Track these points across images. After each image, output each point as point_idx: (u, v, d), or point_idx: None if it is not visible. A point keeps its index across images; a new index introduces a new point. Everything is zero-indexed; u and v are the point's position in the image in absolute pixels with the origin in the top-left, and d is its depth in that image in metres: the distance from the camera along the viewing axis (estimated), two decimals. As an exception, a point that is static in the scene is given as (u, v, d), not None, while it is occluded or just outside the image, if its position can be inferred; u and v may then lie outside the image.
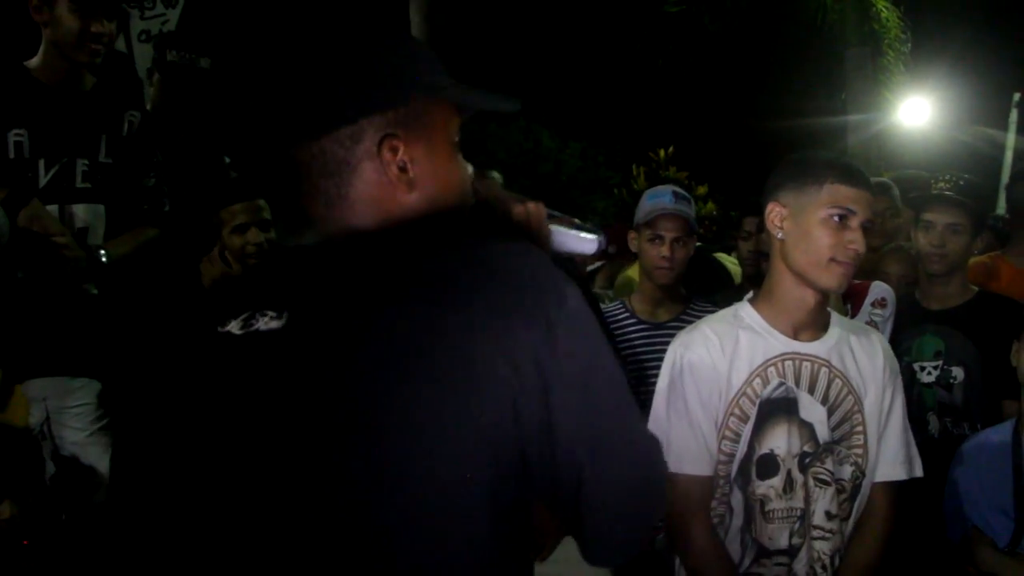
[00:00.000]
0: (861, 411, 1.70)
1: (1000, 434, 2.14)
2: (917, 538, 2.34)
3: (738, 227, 3.05)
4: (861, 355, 1.73)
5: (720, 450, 1.68)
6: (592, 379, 0.84)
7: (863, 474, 1.71)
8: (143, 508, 0.86)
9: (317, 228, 0.92)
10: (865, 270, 2.97)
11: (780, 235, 1.67)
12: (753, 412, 1.67)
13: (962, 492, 2.15)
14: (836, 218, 1.61)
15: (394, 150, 0.90)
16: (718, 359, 1.68)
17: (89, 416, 2.33)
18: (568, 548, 2.18)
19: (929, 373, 2.47)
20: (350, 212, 0.90)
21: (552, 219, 1.11)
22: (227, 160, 2.97)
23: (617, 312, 2.56)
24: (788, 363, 1.68)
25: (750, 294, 1.80)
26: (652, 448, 0.92)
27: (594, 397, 0.84)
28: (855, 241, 1.61)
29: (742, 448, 1.67)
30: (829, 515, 1.67)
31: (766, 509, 1.66)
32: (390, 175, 0.90)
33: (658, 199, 2.55)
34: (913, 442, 1.78)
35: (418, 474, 0.77)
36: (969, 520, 2.12)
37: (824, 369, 1.69)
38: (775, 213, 1.68)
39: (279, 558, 0.78)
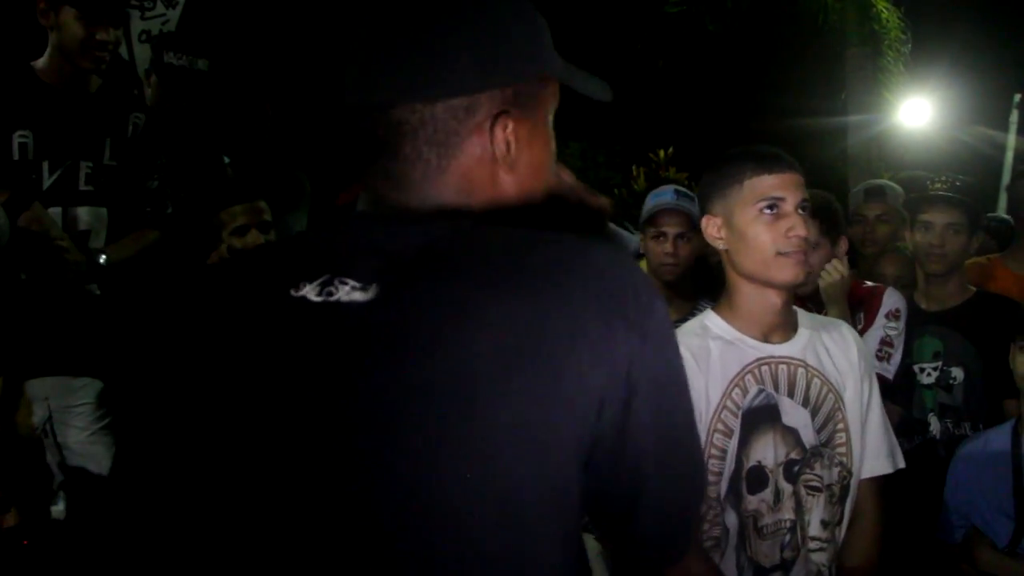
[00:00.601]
0: (842, 408, 1.65)
1: (1000, 434, 2.15)
2: (917, 538, 2.34)
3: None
4: (835, 350, 1.67)
5: (708, 470, 1.58)
6: (668, 392, 0.84)
7: (850, 473, 1.64)
8: (177, 493, 0.78)
9: (404, 197, 0.86)
10: (862, 272, 2.98)
11: (722, 246, 1.62)
12: (737, 425, 1.59)
13: (962, 492, 2.15)
14: (766, 211, 1.56)
15: (505, 127, 0.86)
16: (694, 376, 1.58)
17: (91, 415, 2.34)
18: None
19: (929, 374, 2.47)
20: (445, 186, 0.85)
21: None
22: (226, 161, 2.98)
23: None
24: (765, 368, 1.61)
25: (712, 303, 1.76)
26: (702, 458, 0.95)
27: (669, 408, 0.84)
28: (794, 227, 1.54)
29: (729, 464, 1.58)
30: (824, 524, 1.60)
31: (759, 525, 1.58)
32: (498, 153, 0.86)
33: (660, 197, 2.56)
34: (891, 431, 1.73)
35: (515, 477, 0.74)
36: (969, 520, 2.12)
37: (801, 370, 1.62)
38: (710, 226, 1.63)
39: (334, 562, 0.73)
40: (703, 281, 2.72)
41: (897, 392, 2.42)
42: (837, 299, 2.27)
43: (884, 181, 3.21)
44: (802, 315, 1.71)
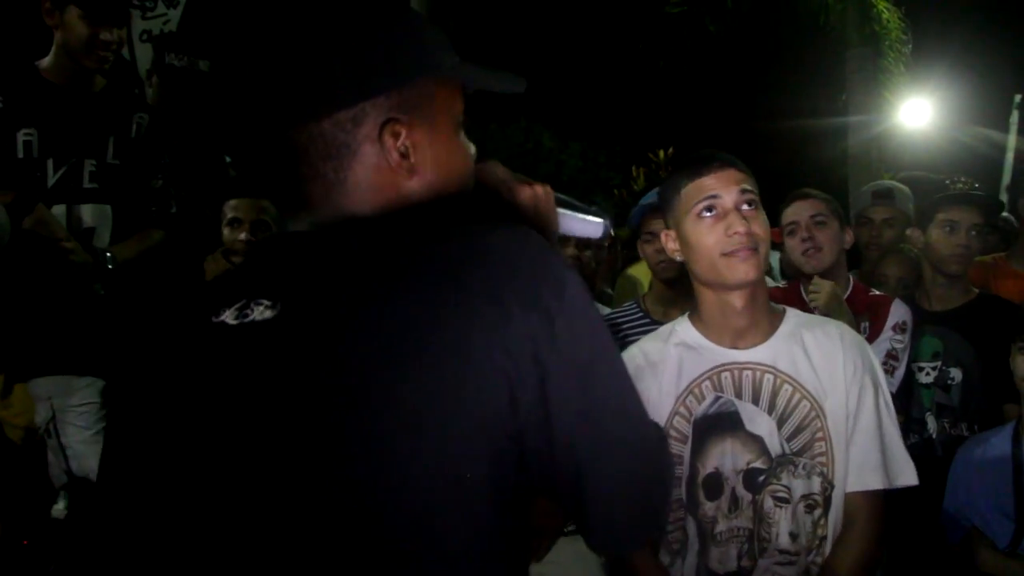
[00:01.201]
0: (821, 416, 1.54)
1: (1000, 436, 2.15)
2: (917, 540, 2.35)
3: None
4: (818, 355, 1.57)
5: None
6: (592, 369, 0.82)
7: (832, 485, 1.54)
8: (131, 506, 0.84)
9: (315, 213, 0.89)
10: (865, 272, 2.98)
11: (679, 257, 1.62)
12: (689, 432, 1.57)
13: (962, 493, 2.15)
14: (704, 213, 1.54)
15: (396, 135, 0.87)
16: (647, 381, 1.59)
17: (94, 415, 2.34)
18: (562, 549, 2.18)
19: (927, 374, 2.48)
20: (348, 197, 0.87)
21: (559, 203, 1.07)
22: (228, 160, 2.99)
23: (631, 312, 2.58)
24: (726, 375, 1.57)
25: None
26: (655, 439, 0.90)
27: (594, 388, 0.82)
28: (732, 225, 1.51)
29: (685, 470, 1.57)
30: (793, 536, 1.52)
31: (715, 531, 1.55)
32: (391, 161, 0.87)
33: (644, 200, 2.59)
34: (897, 446, 1.58)
35: (416, 467, 0.75)
36: (969, 521, 2.12)
37: (769, 376, 1.56)
38: (668, 240, 1.63)
39: (273, 556, 0.77)
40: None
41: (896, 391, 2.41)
42: (836, 310, 2.24)
43: (892, 183, 3.18)
44: (791, 316, 1.64)
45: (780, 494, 1.54)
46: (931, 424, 2.48)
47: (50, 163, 2.28)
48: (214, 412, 0.81)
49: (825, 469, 1.54)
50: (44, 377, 2.35)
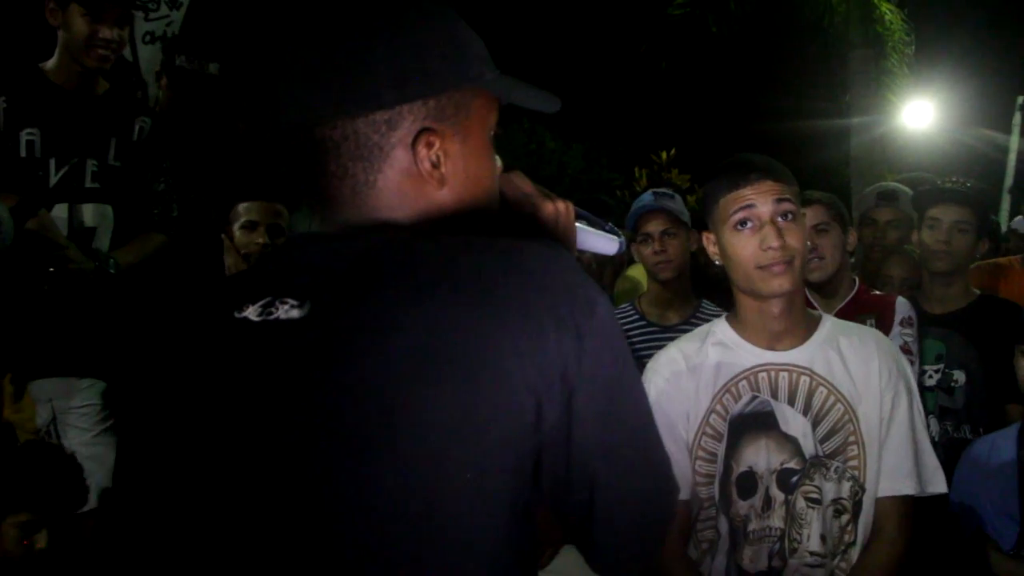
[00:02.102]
0: (854, 420, 1.56)
1: (1005, 438, 2.15)
2: (917, 541, 2.34)
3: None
4: (853, 359, 1.59)
5: (696, 471, 1.61)
6: (616, 392, 0.82)
7: (862, 489, 1.55)
8: (148, 503, 0.83)
9: (341, 213, 0.87)
10: (868, 272, 2.98)
11: (718, 261, 1.63)
12: (725, 430, 1.59)
13: (967, 496, 2.15)
14: (739, 226, 1.55)
15: (429, 145, 0.86)
16: (684, 381, 1.63)
17: (95, 416, 2.34)
18: (565, 558, 2.19)
19: (930, 376, 2.47)
20: (377, 200, 0.86)
21: (577, 218, 1.07)
22: (236, 163, 2.99)
23: (626, 314, 2.57)
24: (763, 375, 1.59)
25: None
26: (666, 465, 0.90)
27: (616, 410, 0.82)
28: (767, 239, 1.52)
29: (719, 468, 1.59)
30: (824, 539, 1.54)
31: (747, 530, 1.56)
32: (422, 169, 0.86)
33: (639, 202, 2.60)
34: (928, 453, 1.59)
35: (443, 477, 0.75)
36: (974, 523, 2.12)
37: (805, 378, 1.58)
38: (708, 243, 1.64)
39: (290, 561, 0.76)
40: (703, 287, 2.72)
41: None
42: None
43: (897, 185, 3.17)
44: (829, 321, 1.66)
45: (812, 495, 1.55)
46: (933, 427, 2.47)
47: (52, 163, 2.29)
48: (234, 408, 0.80)
49: (856, 473, 1.55)
50: (45, 379, 2.35)
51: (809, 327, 1.63)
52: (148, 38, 3.18)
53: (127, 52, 3.07)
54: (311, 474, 0.76)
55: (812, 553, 1.54)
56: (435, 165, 0.87)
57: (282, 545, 0.76)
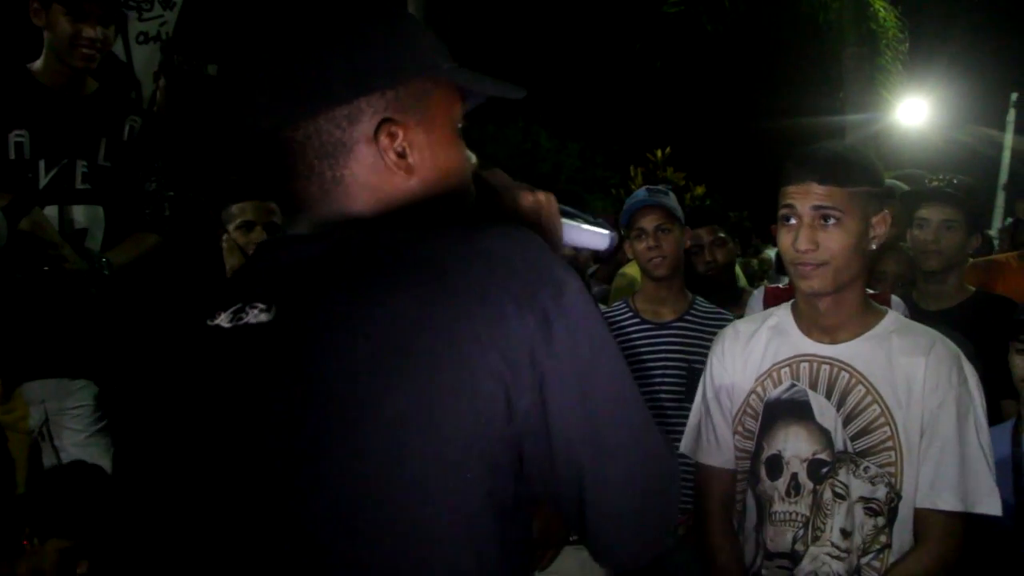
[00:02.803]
0: (891, 423, 1.54)
1: (1000, 434, 2.15)
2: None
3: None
4: (901, 361, 1.55)
5: (736, 446, 1.68)
6: (593, 375, 0.80)
7: (898, 496, 1.53)
8: (138, 508, 0.85)
9: (313, 213, 0.88)
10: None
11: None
12: (760, 410, 1.65)
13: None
14: (783, 220, 1.58)
15: (392, 135, 0.87)
16: (737, 355, 1.70)
17: (88, 418, 2.33)
18: (567, 558, 2.18)
19: (928, 373, 2.47)
20: (345, 196, 0.87)
21: (564, 214, 1.06)
22: (228, 163, 2.98)
23: (620, 312, 2.57)
24: (804, 364, 1.62)
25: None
26: (661, 446, 0.87)
27: (595, 395, 0.80)
28: (798, 239, 1.54)
29: (754, 446, 1.65)
30: (845, 533, 1.54)
31: (771, 510, 1.61)
32: (388, 160, 0.87)
33: (633, 198, 2.60)
34: (981, 471, 1.52)
35: (409, 472, 0.74)
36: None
37: (844, 373, 1.58)
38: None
39: (267, 560, 0.76)
40: (698, 285, 2.72)
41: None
42: None
43: (892, 182, 3.18)
44: (889, 319, 1.62)
45: (838, 489, 1.56)
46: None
47: (42, 164, 2.28)
48: (209, 414, 0.81)
49: (893, 479, 1.53)
50: (38, 380, 2.34)
51: (867, 322, 1.61)
52: (142, 38, 3.17)
53: (121, 52, 3.06)
54: (284, 476, 0.76)
55: (833, 544, 1.55)
56: (401, 155, 0.87)
57: (250, 546, 0.77)
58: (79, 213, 2.33)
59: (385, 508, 0.75)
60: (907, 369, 1.55)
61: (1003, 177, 12.12)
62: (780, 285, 2.73)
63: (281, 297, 0.81)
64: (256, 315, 0.81)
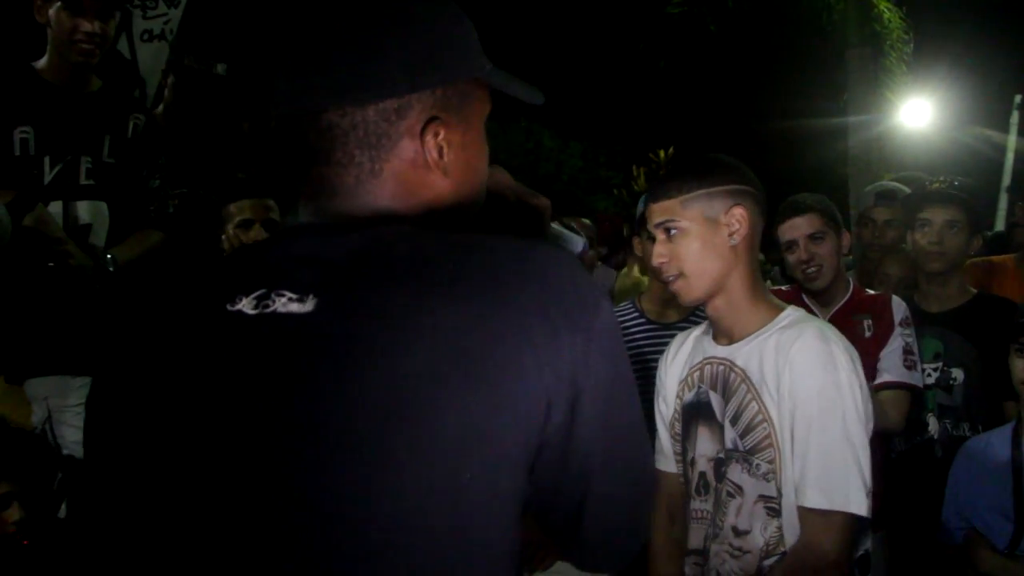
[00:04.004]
0: (769, 420, 1.54)
1: (1000, 436, 2.15)
2: (917, 540, 2.34)
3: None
4: (776, 358, 1.54)
5: (674, 450, 1.76)
6: (615, 392, 0.82)
7: (780, 493, 1.53)
8: (122, 504, 0.80)
9: (338, 204, 0.85)
10: (866, 271, 2.98)
11: None
12: (681, 414, 1.73)
13: (962, 494, 2.15)
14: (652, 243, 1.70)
15: (436, 133, 0.86)
16: (670, 362, 1.80)
17: (89, 415, 2.34)
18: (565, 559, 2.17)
19: (929, 375, 2.47)
20: (381, 190, 0.85)
21: None
22: (233, 161, 2.99)
23: (626, 312, 2.57)
24: (708, 367, 1.68)
25: None
26: (651, 462, 0.93)
27: (615, 416, 0.83)
28: (650, 258, 1.68)
29: (681, 448, 1.73)
30: (737, 531, 1.56)
31: (689, 509, 1.68)
32: (429, 159, 0.86)
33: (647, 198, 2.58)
34: (850, 470, 1.46)
35: (458, 479, 0.73)
36: (969, 522, 2.12)
37: (733, 373, 1.61)
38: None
39: (285, 564, 0.73)
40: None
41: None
42: None
43: (896, 184, 3.18)
44: (783, 318, 1.61)
45: (729, 487, 1.60)
46: (932, 425, 2.47)
47: (46, 160, 2.29)
48: (231, 404, 0.76)
49: (775, 476, 1.54)
50: (40, 377, 2.35)
51: (760, 321, 1.61)
52: (146, 36, 3.18)
53: (125, 50, 3.07)
54: (319, 475, 0.73)
55: (729, 543, 1.58)
56: (440, 155, 0.86)
57: (265, 550, 0.73)
58: (83, 209, 2.34)
59: (436, 518, 0.73)
60: (778, 365, 1.53)
61: (1006, 179, 12.09)
62: (782, 288, 2.73)
63: (319, 289, 0.77)
64: (285, 304, 0.77)
